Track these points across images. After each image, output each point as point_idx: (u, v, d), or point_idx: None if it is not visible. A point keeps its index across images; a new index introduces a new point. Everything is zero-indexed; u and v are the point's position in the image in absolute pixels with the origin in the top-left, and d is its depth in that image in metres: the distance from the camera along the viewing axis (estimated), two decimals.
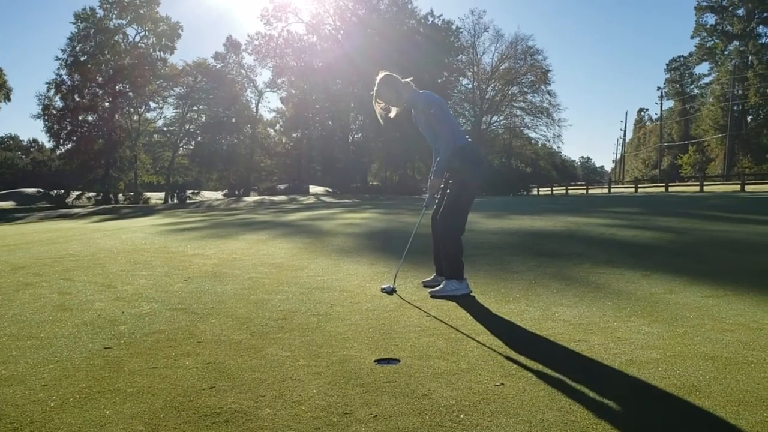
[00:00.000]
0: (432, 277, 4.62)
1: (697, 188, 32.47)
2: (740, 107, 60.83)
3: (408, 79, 4.44)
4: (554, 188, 47.79)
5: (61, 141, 51.64)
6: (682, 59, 77.33)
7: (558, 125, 56.50)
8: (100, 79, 51.55)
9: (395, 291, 4.34)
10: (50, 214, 29.84)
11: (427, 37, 50.06)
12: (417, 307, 3.86)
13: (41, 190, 50.98)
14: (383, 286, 4.45)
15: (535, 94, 57.50)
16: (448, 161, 4.24)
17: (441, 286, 4.26)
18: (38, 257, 6.35)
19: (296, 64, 52.84)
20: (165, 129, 60.97)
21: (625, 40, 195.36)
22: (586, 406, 2.14)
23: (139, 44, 54.05)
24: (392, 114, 4.49)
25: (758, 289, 4.17)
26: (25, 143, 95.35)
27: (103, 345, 2.96)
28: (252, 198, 43.55)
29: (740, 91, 60.10)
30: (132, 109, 56.07)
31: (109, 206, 39.41)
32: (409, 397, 2.24)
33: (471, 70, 59.34)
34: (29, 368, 2.60)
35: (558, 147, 61.94)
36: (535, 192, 43.38)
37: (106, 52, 51.49)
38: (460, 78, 58.80)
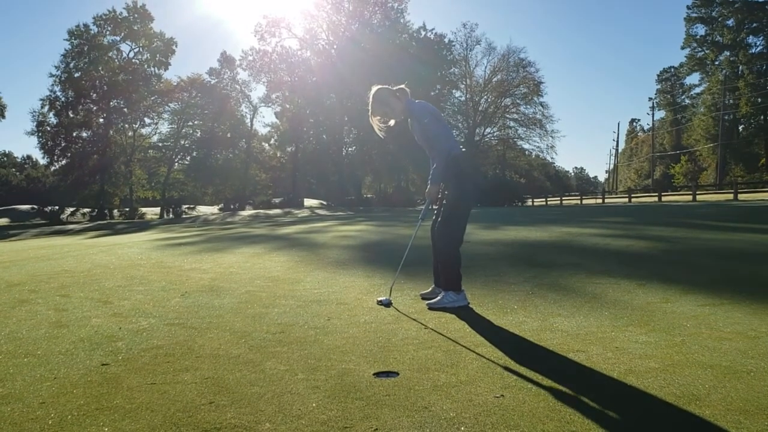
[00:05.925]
0: (430, 289, 4.61)
1: (690, 197, 32.65)
2: (731, 117, 61.30)
3: (401, 86, 4.42)
4: (548, 199, 47.96)
5: (56, 157, 51.70)
6: (672, 70, 78.10)
7: (551, 136, 57.04)
8: (95, 95, 51.71)
9: (392, 303, 4.33)
10: (45, 231, 29.71)
11: (419, 51, 50.48)
12: (415, 319, 3.86)
13: (35, 206, 50.83)
14: (380, 299, 4.44)
15: (528, 106, 58.08)
16: (442, 170, 4.26)
17: (438, 298, 4.25)
18: (33, 274, 6.32)
19: (290, 79, 53.14)
20: (160, 144, 61.05)
21: (616, 51, 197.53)
22: (586, 417, 2.14)
23: (133, 60, 54.30)
24: (392, 122, 4.49)
25: (754, 298, 4.19)
26: (19, 160, 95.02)
27: (100, 361, 2.94)
28: (247, 212, 43.56)
29: (731, 101, 60.59)
30: (126, 125, 56.20)
31: (104, 222, 39.30)
32: (409, 410, 2.24)
33: (464, 82, 59.84)
34: (26, 386, 2.58)
35: (551, 158, 62.26)
36: (529, 203, 43.51)
37: (100, 68, 51.70)
38: (453, 90, 59.28)
